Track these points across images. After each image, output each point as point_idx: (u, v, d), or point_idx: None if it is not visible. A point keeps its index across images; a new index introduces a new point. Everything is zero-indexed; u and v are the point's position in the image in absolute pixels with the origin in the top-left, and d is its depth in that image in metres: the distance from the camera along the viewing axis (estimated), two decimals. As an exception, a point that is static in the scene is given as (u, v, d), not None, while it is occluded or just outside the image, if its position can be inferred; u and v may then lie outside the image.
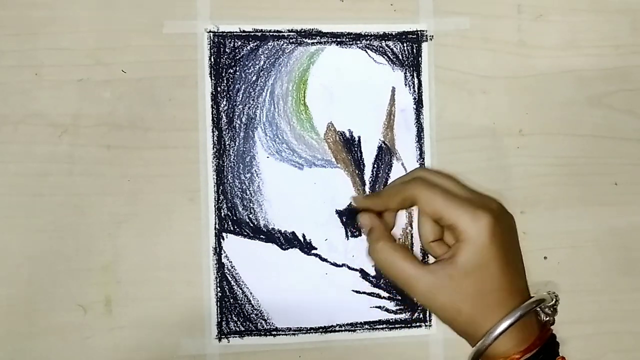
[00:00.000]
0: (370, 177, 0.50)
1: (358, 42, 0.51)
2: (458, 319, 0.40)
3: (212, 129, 0.50)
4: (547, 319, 0.42)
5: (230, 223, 0.50)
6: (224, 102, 0.50)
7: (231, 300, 0.50)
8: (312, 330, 0.50)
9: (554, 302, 0.41)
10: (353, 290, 0.50)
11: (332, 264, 0.50)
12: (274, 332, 0.50)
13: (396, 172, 0.51)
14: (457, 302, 0.39)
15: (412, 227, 0.51)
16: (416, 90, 0.51)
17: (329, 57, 0.51)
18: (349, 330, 0.50)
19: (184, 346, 0.49)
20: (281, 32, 0.50)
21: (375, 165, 0.51)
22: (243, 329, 0.50)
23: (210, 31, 0.50)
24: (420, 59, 0.51)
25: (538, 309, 0.41)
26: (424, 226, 0.43)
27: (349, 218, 0.49)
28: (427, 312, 0.51)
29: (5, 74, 0.48)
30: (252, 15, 0.50)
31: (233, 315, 0.50)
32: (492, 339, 0.38)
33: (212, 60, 0.50)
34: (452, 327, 0.41)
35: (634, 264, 0.52)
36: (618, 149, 0.52)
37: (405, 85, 0.51)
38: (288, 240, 0.50)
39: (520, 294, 0.40)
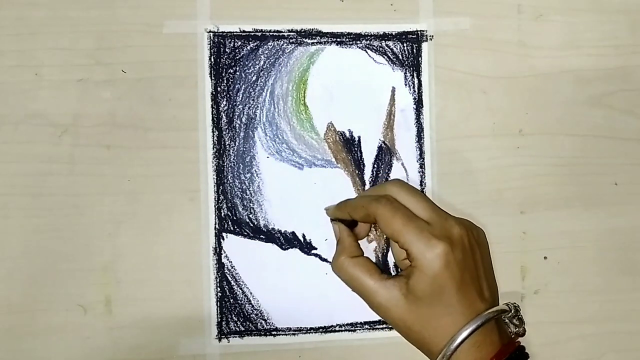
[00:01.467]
0: (370, 177, 0.50)
1: (358, 42, 0.51)
2: (410, 334, 0.41)
3: (212, 129, 0.50)
4: (517, 330, 0.42)
5: (230, 223, 0.50)
6: (224, 102, 0.50)
7: (231, 300, 0.50)
8: (312, 330, 0.50)
9: (513, 312, 0.41)
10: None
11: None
12: (274, 332, 0.50)
13: (396, 172, 0.51)
14: (408, 320, 0.40)
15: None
16: (416, 90, 0.51)
17: (329, 57, 0.51)
18: (349, 330, 0.50)
19: (184, 346, 0.49)
20: (281, 32, 0.50)
21: (375, 165, 0.51)
22: (243, 329, 0.50)
23: (210, 31, 0.50)
24: (420, 59, 0.51)
25: (507, 321, 0.41)
26: (395, 245, 0.44)
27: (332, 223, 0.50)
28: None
29: (5, 74, 0.48)
30: (252, 15, 0.50)
31: (233, 315, 0.50)
32: (450, 354, 0.39)
33: (212, 60, 0.50)
34: (407, 340, 0.42)
35: (634, 264, 0.52)
36: (618, 149, 0.52)
37: (405, 85, 0.51)
38: (288, 240, 0.50)
39: (477, 312, 0.40)
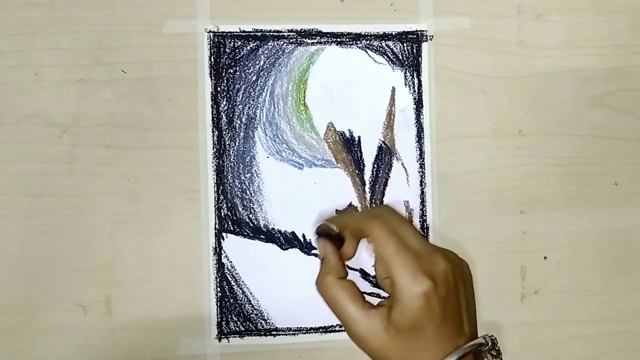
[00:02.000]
0: (370, 177, 0.50)
1: (358, 42, 0.51)
2: None
3: (212, 129, 0.50)
4: None
5: (230, 223, 0.50)
6: (224, 102, 0.50)
7: (231, 300, 0.50)
8: (312, 330, 0.50)
9: (490, 344, 0.42)
10: (353, 290, 0.50)
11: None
12: (274, 332, 0.50)
13: (396, 172, 0.51)
14: (387, 352, 0.40)
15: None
16: (416, 90, 0.51)
17: (329, 57, 0.51)
18: (349, 330, 0.50)
19: (184, 346, 0.49)
20: (281, 32, 0.50)
21: (375, 165, 0.51)
22: (243, 329, 0.50)
23: (210, 31, 0.50)
24: (420, 59, 0.51)
25: (484, 354, 0.42)
26: (379, 264, 0.44)
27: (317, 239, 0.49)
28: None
29: (5, 74, 0.48)
30: (252, 15, 0.50)
31: (233, 315, 0.50)
32: None
33: (212, 60, 0.50)
34: None
35: (634, 264, 0.52)
36: (618, 149, 0.52)
37: (405, 85, 0.51)
38: (288, 240, 0.50)
39: (456, 347, 0.40)
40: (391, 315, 0.40)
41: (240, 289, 0.50)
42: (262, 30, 0.50)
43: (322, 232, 0.46)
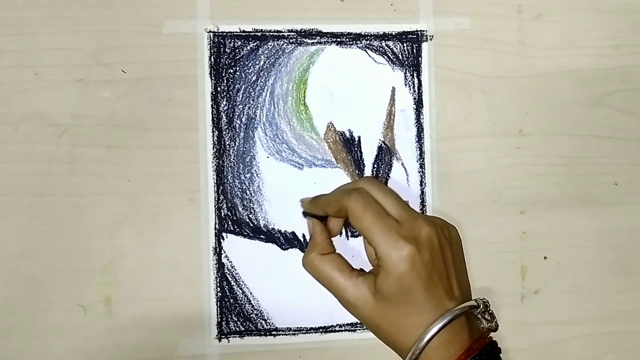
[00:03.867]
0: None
1: (358, 42, 0.51)
2: (377, 332, 0.42)
3: (212, 129, 0.50)
4: (489, 325, 0.42)
5: (230, 223, 0.50)
6: (224, 102, 0.50)
7: (231, 300, 0.50)
8: (312, 330, 0.50)
9: (482, 307, 0.41)
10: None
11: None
12: (274, 332, 0.50)
13: (396, 172, 0.51)
14: (376, 319, 0.41)
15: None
16: (416, 90, 0.51)
17: (329, 57, 0.51)
18: (349, 330, 0.50)
19: (184, 346, 0.49)
20: (281, 32, 0.50)
21: (375, 165, 0.51)
22: (243, 329, 0.50)
23: (210, 31, 0.50)
24: (420, 59, 0.51)
25: (479, 317, 0.41)
26: (367, 246, 0.44)
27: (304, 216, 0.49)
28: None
29: (5, 74, 0.48)
30: (252, 15, 0.50)
31: (233, 315, 0.50)
32: (419, 352, 0.39)
33: (212, 60, 0.50)
34: (377, 337, 0.42)
35: (634, 264, 0.52)
36: (618, 149, 0.52)
37: (405, 85, 0.51)
38: (288, 240, 0.50)
39: (446, 311, 0.40)
40: (377, 281, 0.40)
41: (240, 289, 0.50)
42: (262, 30, 0.50)
43: (309, 211, 0.46)
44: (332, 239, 0.45)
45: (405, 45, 0.51)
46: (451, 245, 0.42)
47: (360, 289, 0.41)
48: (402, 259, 0.39)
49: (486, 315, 0.42)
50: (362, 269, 0.43)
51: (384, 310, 0.40)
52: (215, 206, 0.50)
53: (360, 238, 0.49)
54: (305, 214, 0.48)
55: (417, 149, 0.51)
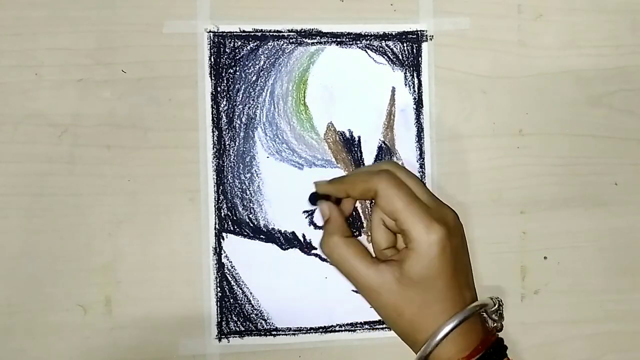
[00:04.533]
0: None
1: (358, 42, 0.51)
2: (398, 321, 0.40)
3: (212, 129, 0.50)
4: (495, 325, 0.42)
5: (230, 223, 0.50)
6: (224, 102, 0.50)
7: (231, 300, 0.50)
8: (312, 330, 0.50)
9: (496, 306, 0.41)
10: (353, 290, 0.50)
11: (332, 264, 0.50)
12: (274, 332, 0.50)
13: (396, 172, 0.51)
14: (400, 305, 0.40)
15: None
16: (416, 90, 0.51)
17: (329, 57, 0.51)
18: (349, 330, 0.50)
19: (184, 346, 0.49)
20: (281, 32, 0.50)
21: (375, 165, 0.51)
22: (243, 329, 0.50)
23: (210, 31, 0.50)
24: (420, 59, 0.51)
25: (485, 315, 0.41)
26: (377, 233, 0.43)
27: (312, 203, 0.48)
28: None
29: (5, 74, 0.48)
30: (252, 15, 0.50)
31: (233, 315, 0.50)
32: (434, 345, 0.39)
33: (212, 60, 0.50)
34: (393, 328, 0.41)
35: (634, 264, 0.52)
36: (618, 149, 0.52)
37: (405, 85, 0.51)
38: (288, 240, 0.50)
39: (464, 302, 0.40)
40: (404, 266, 0.39)
41: (240, 289, 0.50)
42: (262, 30, 0.50)
43: (322, 193, 0.44)
44: None
45: (405, 45, 0.51)
46: (465, 237, 0.42)
47: (385, 275, 0.40)
48: (435, 242, 0.39)
49: (494, 315, 0.42)
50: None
51: (408, 296, 0.40)
52: (215, 206, 0.50)
53: (360, 238, 0.49)
54: (314, 198, 0.47)
55: (417, 149, 0.51)
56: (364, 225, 0.51)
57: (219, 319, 0.49)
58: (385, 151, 0.51)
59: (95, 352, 0.49)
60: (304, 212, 0.50)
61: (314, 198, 0.46)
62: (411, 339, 0.41)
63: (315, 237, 0.50)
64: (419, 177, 0.51)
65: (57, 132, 0.49)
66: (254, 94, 0.50)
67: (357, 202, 0.47)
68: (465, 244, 0.42)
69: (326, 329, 0.50)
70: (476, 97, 0.51)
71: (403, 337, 0.41)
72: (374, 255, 0.42)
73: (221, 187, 0.50)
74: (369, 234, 0.45)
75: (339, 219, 0.43)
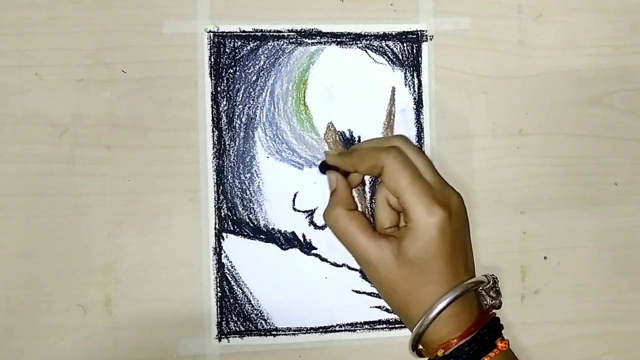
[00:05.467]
0: (370, 177, 0.50)
1: (358, 42, 0.51)
2: (393, 296, 0.41)
3: (212, 129, 0.50)
4: (492, 302, 0.42)
5: (230, 223, 0.50)
6: (224, 102, 0.50)
7: (231, 300, 0.50)
8: (312, 330, 0.50)
9: (491, 283, 0.41)
10: (353, 290, 0.50)
11: (332, 264, 0.50)
12: (274, 332, 0.50)
13: (396, 172, 0.51)
14: (396, 281, 0.40)
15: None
16: (416, 90, 0.51)
17: (329, 57, 0.51)
18: (349, 330, 0.50)
19: (184, 346, 0.49)
20: (281, 32, 0.50)
21: (375, 165, 0.51)
22: (243, 329, 0.50)
23: (210, 31, 0.50)
24: (420, 59, 0.51)
25: (483, 293, 0.41)
26: (380, 212, 0.43)
27: (322, 172, 0.48)
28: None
29: (5, 74, 0.48)
30: (252, 15, 0.50)
31: (233, 315, 0.50)
32: (428, 323, 0.39)
33: (212, 60, 0.50)
34: (388, 303, 0.42)
35: (634, 264, 0.52)
36: (618, 149, 0.52)
37: (405, 85, 0.51)
38: (288, 240, 0.50)
39: (461, 280, 0.40)
40: (402, 244, 0.40)
41: (240, 289, 0.50)
42: (262, 30, 0.50)
43: (335, 164, 0.44)
44: None
45: (405, 45, 0.51)
46: (467, 219, 0.42)
47: (384, 250, 0.40)
48: (434, 225, 0.39)
49: (491, 292, 0.42)
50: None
51: (404, 274, 0.40)
52: (215, 206, 0.50)
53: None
54: (324, 168, 0.47)
55: (417, 149, 0.51)
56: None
57: (219, 319, 0.49)
58: (385, 151, 0.51)
59: (95, 352, 0.49)
60: (299, 211, 0.50)
61: (324, 167, 0.47)
62: (405, 315, 0.41)
63: (315, 237, 0.50)
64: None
65: (57, 132, 0.49)
66: (254, 94, 0.50)
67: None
68: (467, 228, 0.41)
69: (326, 329, 0.50)
70: (476, 97, 0.51)
71: (397, 312, 0.42)
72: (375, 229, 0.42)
73: (221, 187, 0.50)
74: (372, 212, 0.45)
75: (345, 191, 0.44)
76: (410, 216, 0.39)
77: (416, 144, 0.51)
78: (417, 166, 0.41)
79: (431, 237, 0.39)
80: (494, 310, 0.42)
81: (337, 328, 0.50)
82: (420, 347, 0.41)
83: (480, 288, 0.41)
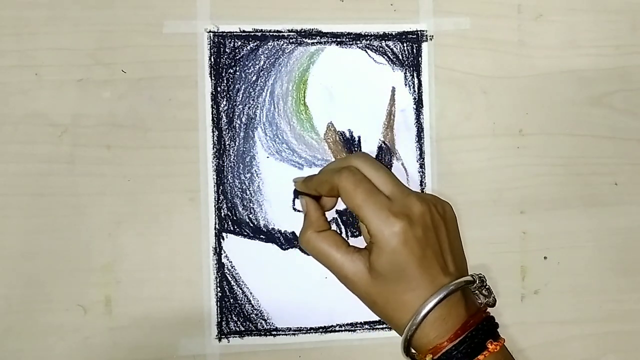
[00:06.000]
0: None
1: (358, 42, 0.51)
2: (374, 307, 0.42)
3: (212, 129, 0.50)
4: (486, 300, 0.42)
5: (230, 223, 0.50)
6: (224, 102, 0.50)
7: (231, 300, 0.50)
8: (312, 330, 0.50)
9: (478, 282, 0.41)
10: (353, 290, 0.50)
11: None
12: (274, 332, 0.50)
13: (396, 172, 0.51)
14: (373, 293, 0.41)
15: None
16: (416, 90, 0.51)
17: (329, 57, 0.51)
18: (349, 330, 0.50)
19: (184, 346, 0.49)
20: (281, 32, 0.50)
21: (375, 165, 0.51)
22: (243, 329, 0.50)
23: (210, 31, 0.50)
24: (420, 59, 0.51)
25: (477, 292, 0.41)
26: (363, 226, 0.44)
27: (295, 197, 0.49)
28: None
29: (5, 74, 0.48)
30: (252, 15, 0.50)
31: (233, 315, 0.50)
32: (415, 327, 0.39)
33: (212, 60, 0.50)
34: (374, 313, 0.42)
35: (634, 264, 0.52)
36: (618, 149, 0.52)
37: (405, 85, 0.51)
38: (288, 240, 0.50)
39: (441, 285, 0.40)
40: (371, 258, 0.40)
41: (240, 289, 0.50)
42: (262, 30, 0.50)
43: (303, 190, 0.46)
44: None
45: (405, 45, 0.51)
46: (445, 221, 0.42)
47: (357, 264, 0.41)
48: (393, 235, 0.39)
49: (483, 291, 0.42)
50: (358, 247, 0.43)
51: (379, 287, 0.40)
52: (215, 206, 0.50)
53: (361, 238, 0.49)
54: (297, 193, 0.48)
55: (417, 149, 0.51)
56: None
57: (219, 319, 0.49)
58: (385, 151, 0.51)
59: (95, 352, 0.49)
60: (299, 210, 0.50)
61: (296, 192, 0.48)
62: (392, 324, 0.41)
63: (315, 237, 0.50)
64: (419, 175, 0.51)
65: (57, 132, 0.49)
66: (254, 94, 0.50)
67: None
68: (438, 230, 0.41)
69: (326, 329, 0.50)
70: (476, 97, 0.51)
71: (385, 321, 0.42)
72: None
73: (221, 187, 0.50)
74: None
75: (315, 213, 0.45)
76: (370, 231, 0.40)
77: (416, 144, 0.51)
78: (373, 181, 0.42)
79: (392, 247, 0.39)
80: (488, 309, 0.42)
81: (337, 328, 0.50)
82: (414, 351, 0.41)
83: (473, 287, 0.41)
